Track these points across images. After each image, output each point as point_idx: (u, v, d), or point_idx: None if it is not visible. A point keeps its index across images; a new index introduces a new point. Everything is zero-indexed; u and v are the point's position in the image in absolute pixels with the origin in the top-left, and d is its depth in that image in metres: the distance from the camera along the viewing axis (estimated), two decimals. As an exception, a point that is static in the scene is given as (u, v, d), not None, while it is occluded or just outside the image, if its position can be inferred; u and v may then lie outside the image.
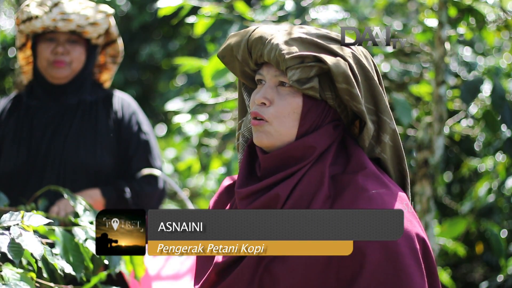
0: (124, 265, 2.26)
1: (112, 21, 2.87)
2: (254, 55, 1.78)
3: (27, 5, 2.78)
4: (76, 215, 2.32)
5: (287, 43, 1.73)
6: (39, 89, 2.87)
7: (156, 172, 2.88)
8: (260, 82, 1.79)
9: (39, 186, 2.73)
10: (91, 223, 2.24)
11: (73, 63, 2.82)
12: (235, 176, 1.89)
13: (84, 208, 2.31)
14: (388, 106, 1.78)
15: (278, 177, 1.74)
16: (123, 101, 2.93)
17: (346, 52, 1.75)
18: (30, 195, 2.72)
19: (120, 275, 2.63)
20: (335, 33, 1.80)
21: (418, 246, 1.67)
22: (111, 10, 2.84)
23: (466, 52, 4.06)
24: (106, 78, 2.96)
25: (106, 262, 2.21)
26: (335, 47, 1.75)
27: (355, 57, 1.75)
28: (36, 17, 2.75)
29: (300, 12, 3.50)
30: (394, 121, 1.78)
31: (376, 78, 1.77)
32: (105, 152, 2.83)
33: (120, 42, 2.92)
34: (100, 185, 2.81)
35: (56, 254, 2.04)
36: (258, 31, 1.78)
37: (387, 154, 1.79)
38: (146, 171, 2.87)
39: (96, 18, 2.79)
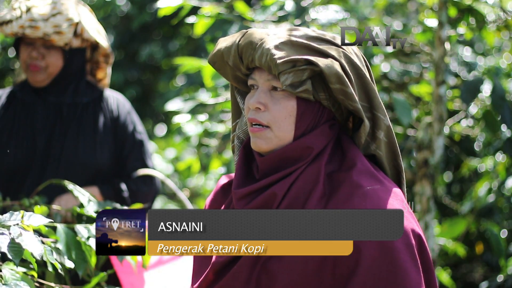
0: (129, 256, 2.26)
1: (86, 26, 2.80)
2: (245, 60, 1.78)
3: (6, 8, 2.78)
4: (81, 206, 2.33)
5: (277, 47, 1.73)
6: (29, 88, 2.88)
7: (155, 173, 2.89)
8: (253, 86, 1.79)
9: (39, 184, 2.73)
10: (97, 212, 2.26)
11: (49, 68, 2.81)
12: (232, 175, 1.90)
13: (88, 199, 2.32)
14: (382, 102, 1.78)
15: (275, 177, 1.74)
16: (118, 101, 2.94)
17: (337, 52, 1.75)
18: (29, 193, 2.72)
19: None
20: (323, 33, 1.80)
21: (413, 242, 1.68)
22: (77, 19, 2.77)
23: (466, 52, 4.06)
24: (101, 76, 2.95)
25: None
26: (325, 47, 1.75)
27: (346, 56, 1.76)
28: (7, 22, 2.74)
29: (300, 12, 3.50)
30: (388, 117, 1.79)
31: (368, 75, 1.78)
32: (104, 151, 2.84)
33: (105, 44, 2.88)
34: (98, 184, 2.82)
35: (58, 249, 2.04)
36: (248, 36, 1.78)
37: (382, 151, 1.80)
38: (143, 171, 2.88)
39: (61, 27, 2.75)
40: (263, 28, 1.84)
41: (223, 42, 1.82)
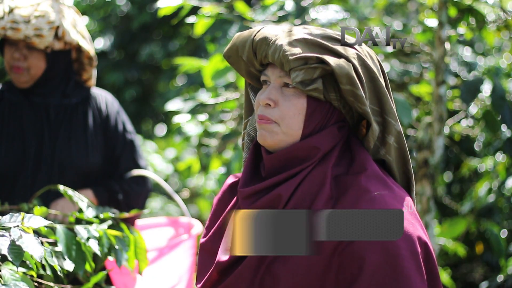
0: (127, 261, 2.26)
1: (68, 29, 2.78)
2: (259, 55, 1.78)
3: None
4: (80, 211, 2.33)
5: (291, 44, 1.73)
6: (15, 88, 2.86)
7: (148, 174, 2.89)
8: (265, 82, 1.79)
9: (31, 187, 2.72)
10: (96, 217, 2.26)
11: (31, 70, 2.78)
12: (239, 174, 1.90)
13: (87, 204, 2.32)
14: (394, 107, 1.77)
15: (281, 177, 1.74)
16: (107, 100, 2.93)
17: (351, 53, 1.74)
18: (20, 196, 2.71)
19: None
20: (339, 34, 1.80)
21: (419, 250, 1.67)
22: (57, 22, 2.74)
23: (466, 52, 4.06)
24: (86, 77, 2.93)
25: (110, 258, 2.21)
26: (339, 48, 1.74)
27: (360, 58, 1.75)
28: None
29: (300, 12, 3.50)
30: (399, 122, 1.78)
31: (381, 79, 1.76)
32: (95, 153, 2.83)
33: (87, 47, 2.85)
34: (90, 185, 2.81)
35: (57, 252, 2.04)
36: (263, 32, 1.78)
37: (392, 156, 1.79)
38: (137, 172, 2.88)
39: (42, 30, 2.72)
40: (277, 25, 1.84)
41: (239, 37, 1.82)
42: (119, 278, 2.62)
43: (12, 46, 2.79)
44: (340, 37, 1.77)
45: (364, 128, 1.83)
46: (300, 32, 1.76)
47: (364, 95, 1.71)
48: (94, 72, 2.94)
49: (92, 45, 2.92)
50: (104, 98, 2.93)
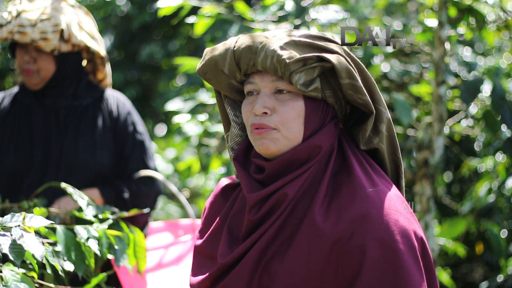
0: (127, 260, 2.26)
1: (75, 32, 2.78)
2: (244, 65, 1.75)
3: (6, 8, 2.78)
4: (80, 210, 2.33)
5: (282, 48, 1.72)
6: (28, 90, 2.88)
7: (155, 174, 2.89)
8: (251, 93, 1.78)
9: (38, 187, 2.72)
10: (95, 216, 2.26)
11: (41, 72, 2.80)
12: (232, 177, 1.89)
13: (87, 202, 2.32)
14: (382, 96, 1.78)
15: (287, 179, 1.73)
16: (118, 101, 2.93)
17: (339, 48, 1.75)
18: (27, 196, 2.71)
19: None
20: (317, 32, 1.80)
21: (416, 244, 1.68)
22: (62, 25, 2.75)
23: (466, 52, 4.06)
24: (101, 77, 2.95)
25: (110, 257, 2.21)
26: (325, 44, 1.75)
27: (346, 52, 1.77)
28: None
29: (300, 12, 3.50)
30: (388, 110, 1.79)
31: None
32: (104, 153, 2.83)
33: (96, 48, 2.86)
34: (98, 185, 2.81)
35: (57, 252, 2.04)
36: (244, 41, 1.76)
37: (384, 144, 1.80)
38: (145, 172, 2.88)
39: (47, 34, 2.73)
40: (261, 30, 1.84)
41: (214, 51, 1.79)
42: (126, 279, 2.61)
43: (22, 49, 2.81)
44: (324, 35, 1.78)
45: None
46: (285, 35, 1.75)
47: (362, 86, 1.72)
48: (108, 71, 2.94)
49: (103, 45, 2.92)
50: (115, 99, 2.93)
